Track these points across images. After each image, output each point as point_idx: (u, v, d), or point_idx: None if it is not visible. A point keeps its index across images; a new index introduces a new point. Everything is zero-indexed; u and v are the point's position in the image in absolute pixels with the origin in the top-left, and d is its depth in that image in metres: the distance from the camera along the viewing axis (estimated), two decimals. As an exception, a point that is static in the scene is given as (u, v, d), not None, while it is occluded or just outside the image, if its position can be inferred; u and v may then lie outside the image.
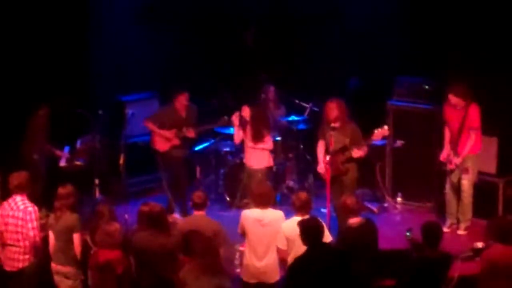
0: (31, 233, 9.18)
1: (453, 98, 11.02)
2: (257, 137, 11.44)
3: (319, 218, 8.55)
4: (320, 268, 8.04)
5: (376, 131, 10.66)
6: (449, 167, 11.23)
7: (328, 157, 10.60)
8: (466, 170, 11.07)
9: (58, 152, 12.01)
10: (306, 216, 8.86)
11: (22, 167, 10.04)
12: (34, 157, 11.70)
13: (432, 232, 8.49)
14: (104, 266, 8.39)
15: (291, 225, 8.92)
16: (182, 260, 8.76)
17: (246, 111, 11.49)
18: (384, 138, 11.01)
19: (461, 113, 11.06)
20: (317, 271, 8.02)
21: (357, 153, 10.68)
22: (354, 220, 9.07)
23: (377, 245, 9.12)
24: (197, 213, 9.21)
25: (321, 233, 8.31)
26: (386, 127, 10.69)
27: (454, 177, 11.26)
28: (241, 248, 9.77)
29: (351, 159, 10.79)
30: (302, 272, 8.09)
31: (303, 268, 8.12)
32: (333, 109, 10.79)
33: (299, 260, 8.27)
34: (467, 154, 11.08)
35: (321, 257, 8.13)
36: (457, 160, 11.11)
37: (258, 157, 11.52)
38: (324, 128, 10.90)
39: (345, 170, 10.80)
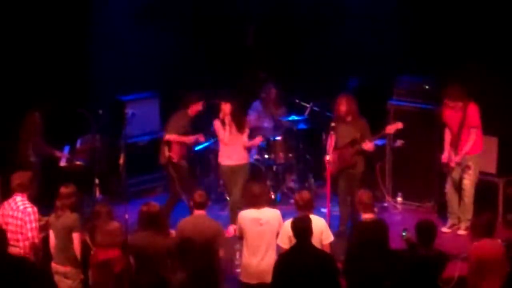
0: (30, 234, 9.19)
1: (449, 102, 11.05)
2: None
3: (311, 218, 8.55)
4: (300, 267, 8.15)
5: (388, 126, 10.96)
6: (450, 166, 11.23)
7: (328, 157, 10.66)
8: (468, 167, 11.08)
9: (57, 153, 11.99)
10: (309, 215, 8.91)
11: (19, 169, 10.04)
12: (31, 159, 11.68)
13: (426, 231, 8.53)
14: (103, 264, 8.42)
15: (294, 224, 8.94)
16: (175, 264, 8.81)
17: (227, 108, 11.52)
18: (396, 131, 11.17)
19: (459, 114, 11.07)
20: (298, 270, 8.14)
21: (367, 145, 10.89)
22: (367, 216, 9.07)
23: (388, 244, 9.11)
24: (198, 213, 9.19)
25: (308, 233, 8.33)
26: (400, 122, 10.94)
27: (455, 176, 11.27)
28: None
29: (360, 153, 10.93)
30: (285, 268, 8.23)
31: (286, 264, 8.26)
32: (340, 104, 11.03)
33: (284, 256, 8.41)
34: (468, 154, 11.10)
35: (303, 257, 8.21)
36: (456, 158, 11.12)
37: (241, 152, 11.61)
38: (336, 122, 11.05)
39: (354, 163, 10.93)
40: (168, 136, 11.59)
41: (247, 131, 11.62)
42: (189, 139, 11.70)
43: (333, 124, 10.95)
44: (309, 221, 8.42)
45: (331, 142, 11.10)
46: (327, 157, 10.71)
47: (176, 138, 11.58)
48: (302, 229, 8.32)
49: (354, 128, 10.98)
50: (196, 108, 11.68)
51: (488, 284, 8.45)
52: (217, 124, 11.58)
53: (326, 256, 8.42)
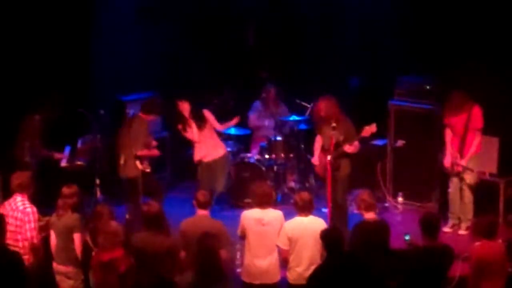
0: (29, 234, 9.18)
1: (453, 111, 11.06)
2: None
3: (339, 228, 8.62)
4: (341, 277, 8.07)
5: (365, 128, 10.66)
6: (456, 169, 11.22)
7: (329, 157, 10.64)
8: (470, 170, 11.09)
9: (57, 155, 11.94)
10: (309, 216, 8.96)
11: (15, 169, 10.03)
12: (26, 159, 11.64)
13: (430, 223, 8.54)
14: (107, 265, 8.39)
15: (293, 224, 8.94)
16: (183, 258, 8.79)
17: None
18: (372, 134, 10.96)
19: (464, 116, 11.08)
20: (338, 280, 8.06)
21: (349, 148, 10.73)
22: (369, 216, 9.06)
23: (389, 244, 9.12)
24: (201, 213, 9.21)
25: (342, 243, 8.31)
26: (374, 124, 10.66)
27: (458, 178, 11.27)
28: None
29: (343, 155, 10.81)
30: (323, 280, 8.11)
31: (324, 276, 8.15)
32: (319, 110, 10.91)
33: (320, 268, 8.28)
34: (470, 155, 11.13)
35: (342, 266, 8.16)
36: (463, 162, 11.13)
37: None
38: (321, 124, 10.93)
39: (337, 166, 10.81)
40: (140, 153, 11.30)
41: (208, 124, 11.71)
42: (155, 152, 11.58)
43: (334, 124, 10.86)
44: (340, 232, 8.44)
45: (318, 144, 11.12)
46: (328, 157, 10.69)
47: (146, 153, 11.38)
48: (334, 240, 8.26)
49: (337, 130, 10.72)
50: (150, 118, 11.47)
51: (489, 285, 8.45)
52: (181, 128, 11.71)
53: (364, 265, 8.33)
